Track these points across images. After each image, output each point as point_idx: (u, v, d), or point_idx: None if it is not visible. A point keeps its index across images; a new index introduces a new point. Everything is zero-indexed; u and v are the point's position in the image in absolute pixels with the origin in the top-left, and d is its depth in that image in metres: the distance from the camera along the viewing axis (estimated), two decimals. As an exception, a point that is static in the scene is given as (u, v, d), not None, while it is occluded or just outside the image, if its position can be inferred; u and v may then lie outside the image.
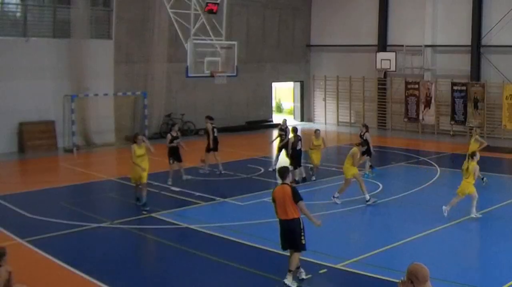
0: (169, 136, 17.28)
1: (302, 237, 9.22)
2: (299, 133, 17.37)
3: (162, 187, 16.62)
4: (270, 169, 18.94)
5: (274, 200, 9.35)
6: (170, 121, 27.39)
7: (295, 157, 16.92)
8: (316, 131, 17.88)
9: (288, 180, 9.38)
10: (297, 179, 16.78)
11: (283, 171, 9.49)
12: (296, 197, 9.11)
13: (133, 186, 15.04)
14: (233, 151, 23.35)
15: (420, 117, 28.24)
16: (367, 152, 17.78)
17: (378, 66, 29.41)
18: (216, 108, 29.25)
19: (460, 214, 13.54)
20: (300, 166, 17.11)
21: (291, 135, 17.38)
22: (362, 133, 18.29)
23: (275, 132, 21.86)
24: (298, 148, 16.98)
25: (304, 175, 17.45)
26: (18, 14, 23.58)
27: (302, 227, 9.22)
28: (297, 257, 9.30)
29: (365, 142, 17.59)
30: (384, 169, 19.43)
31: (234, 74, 21.68)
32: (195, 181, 17.60)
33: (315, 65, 33.32)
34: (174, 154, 17.15)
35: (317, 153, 17.71)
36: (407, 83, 28.61)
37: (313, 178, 17.60)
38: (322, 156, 18.43)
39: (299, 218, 9.18)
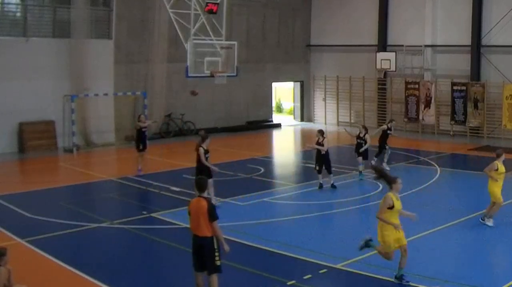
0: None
1: (217, 258, 8.31)
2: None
3: (162, 187, 16.62)
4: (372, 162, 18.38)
5: (189, 213, 8.48)
6: (171, 122, 27.50)
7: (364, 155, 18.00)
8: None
9: (207, 193, 8.71)
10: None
11: (202, 183, 8.63)
12: (211, 216, 8.23)
13: (133, 186, 15.02)
14: (233, 151, 23.37)
15: (420, 117, 28.23)
16: (363, 154, 17.89)
17: (378, 66, 29.40)
18: (216, 108, 29.29)
19: (460, 214, 13.55)
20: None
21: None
22: (362, 135, 18.20)
23: (275, 133, 21.81)
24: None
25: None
26: (18, 14, 23.57)
27: (216, 246, 8.31)
28: (214, 280, 8.38)
29: (363, 144, 17.88)
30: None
31: (234, 74, 21.66)
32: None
33: (315, 65, 33.32)
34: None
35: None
36: (407, 83, 28.60)
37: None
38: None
39: (212, 237, 8.28)
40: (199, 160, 14.40)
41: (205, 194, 8.59)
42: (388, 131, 19.80)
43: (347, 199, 15.15)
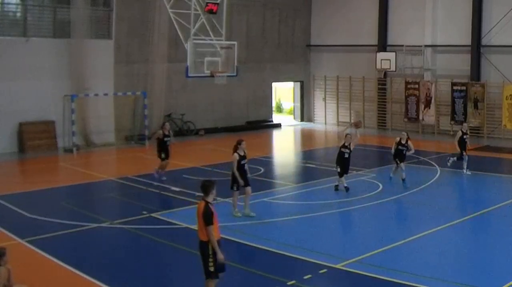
0: (160, 133, 17.54)
1: (211, 263, 8.18)
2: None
3: (162, 187, 16.62)
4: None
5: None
6: (171, 122, 27.48)
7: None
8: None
9: (211, 197, 8.35)
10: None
11: (206, 185, 8.41)
12: (205, 221, 8.14)
13: (133, 186, 15.02)
14: (233, 151, 23.34)
15: (420, 117, 28.24)
16: (402, 158, 16.93)
17: (378, 66, 29.40)
18: (216, 108, 29.28)
19: (460, 214, 13.56)
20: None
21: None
22: (404, 141, 16.96)
23: (275, 133, 21.81)
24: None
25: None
26: (18, 14, 23.56)
27: (210, 252, 8.17)
28: (208, 285, 8.35)
29: (404, 150, 16.88)
30: (384, 169, 19.42)
31: (234, 74, 21.66)
32: (195, 181, 17.58)
33: (315, 65, 33.31)
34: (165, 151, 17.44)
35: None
36: (407, 83, 28.61)
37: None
38: (321, 156, 18.43)
39: (206, 242, 8.19)
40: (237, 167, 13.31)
41: (208, 198, 8.36)
42: (464, 137, 18.61)
43: (347, 199, 15.15)
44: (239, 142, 13.39)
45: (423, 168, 19.81)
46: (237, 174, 13.18)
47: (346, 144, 15.93)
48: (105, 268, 10.34)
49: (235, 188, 13.46)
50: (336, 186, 16.15)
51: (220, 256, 8.17)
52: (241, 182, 13.22)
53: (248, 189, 13.48)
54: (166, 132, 17.44)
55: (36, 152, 22.53)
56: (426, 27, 28.21)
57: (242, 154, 13.36)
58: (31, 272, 9.93)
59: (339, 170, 15.89)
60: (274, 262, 10.58)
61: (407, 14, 28.98)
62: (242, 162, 13.32)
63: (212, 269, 8.21)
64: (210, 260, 8.19)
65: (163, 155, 17.32)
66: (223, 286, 9.65)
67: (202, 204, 8.30)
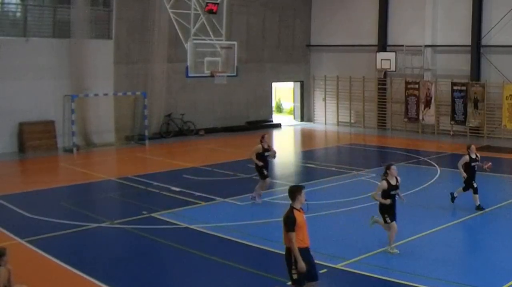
0: (259, 147, 14.93)
1: (293, 271, 7.98)
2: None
3: (162, 187, 16.62)
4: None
5: None
6: (170, 122, 27.49)
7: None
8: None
9: (297, 203, 8.08)
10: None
11: (291, 191, 8.21)
12: (286, 226, 7.95)
13: (133, 186, 15.01)
14: (233, 151, 23.38)
15: (420, 117, 28.24)
16: (474, 177, 13.95)
17: (378, 66, 29.41)
18: (216, 108, 29.28)
19: (460, 214, 13.55)
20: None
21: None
22: (474, 155, 13.98)
23: (275, 133, 21.81)
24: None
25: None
26: (18, 14, 23.56)
27: (293, 260, 7.97)
28: None
29: (476, 165, 13.96)
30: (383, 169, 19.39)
31: (234, 74, 21.67)
32: (195, 181, 17.59)
33: (315, 65, 33.31)
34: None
35: None
36: (407, 83, 28.61)
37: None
38: (321, 156, 18.42)
39: (289, 249, 8.01)
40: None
41: (295, 204, 8.08)
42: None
43: (347, 199, 15.15)
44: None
45: (423, 168, 19.81)
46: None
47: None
48: (105, 268, 10.34)
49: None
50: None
51: (301, 264, 7.87)
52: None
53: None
54: (266, 146, 14.99)
55: (36, 152, 22.53)
56: (426, 27, 28.20)
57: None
58: (31, 272, 9.93)
59: None
60: (274, 262, 10.57)
61: (407, 14, 28.98)
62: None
63: (295, 277, 7.98)
64: (293, 267, 7.97)
65: (265, 172, 14.96)
66: (223, 286, 9.68)
67: (287, 210, 8.11)
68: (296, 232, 7.92)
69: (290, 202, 8.14)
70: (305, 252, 8.05)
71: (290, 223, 7.92)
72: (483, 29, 26.40)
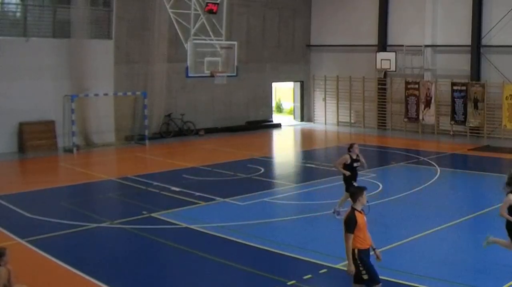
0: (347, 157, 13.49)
1: (363, 271, 7.96)
2: None
3: (162, 187, 16.62)
4: None
5: None
6: (171, 122, 27.49)
7: None
8: None
9: (358, 204, 8.12)
10: None
11: (352, 192, 8.29)
12: (345, 227, 8.00)
13: (133, 186, 15.03)
14: (233, 151, 23.38)
15: (420, 117, 28.23)
16: None
17: (378, 66, 29.40)
18: (216, 108, 29.29)
19: (460, 214, 13.55)
20: None
21: None
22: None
23: (275, 133, 21.82)
24: None
25: None
26: (18, 14, 23.56)
27: (359, 260, 7.98)
28: None
29: None
30: (384, 169, 19.43)
31: (234, 74, 21.67)
32: (195, 181, 17.59)
33: (315, 65, 33.31)
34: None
35: None
36: (407, 83, 28.61)
37: None
38: (321, 156, 18.40)
39: (354, 250, 7.98)
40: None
41: (356, 205, 8.11)
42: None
43: (347, 199, 15.12)
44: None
45: (423, 168, 19.81)
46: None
47: None
48: (105, 268, 10.34)
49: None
50: None
51: (350, 267, 7.93)
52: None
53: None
54: (354, 156, 13.45)
55: (36, 152, 22.52)
56: (426, 27, 28.20)
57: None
58: (31, 272, 9.93)
59: None
60: (274, 262, 10.58)
61: (407, 14, 28.98)
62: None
63: (365, 277, 7.99)
64: (361, 267, 7.97)
65: (355, 184, 13.17)
66: (223, 286, 9.67)
67: (347, 211, 8.13)
68: (357, 234, 7.97)
69: (351, 203, 8.14)
70: (367, 253, 8.13)
71: (350, 224, 7.95)
72: (483, 29, 26.40)
